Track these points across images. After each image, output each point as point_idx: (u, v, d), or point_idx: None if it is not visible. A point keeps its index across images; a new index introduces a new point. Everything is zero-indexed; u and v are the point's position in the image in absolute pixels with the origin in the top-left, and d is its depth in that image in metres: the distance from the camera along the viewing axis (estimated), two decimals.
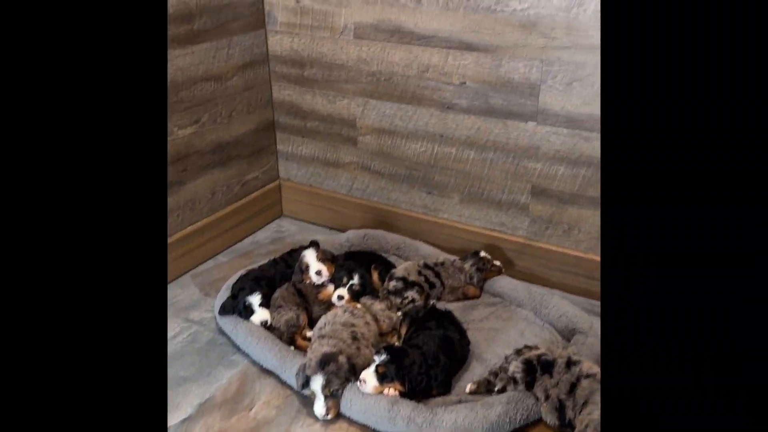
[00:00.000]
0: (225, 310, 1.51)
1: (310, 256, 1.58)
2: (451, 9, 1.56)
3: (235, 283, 1.57)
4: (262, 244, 1.95)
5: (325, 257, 1.60)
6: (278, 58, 1.89)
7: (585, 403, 1.17)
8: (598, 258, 1.59)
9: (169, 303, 1.64)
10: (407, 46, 1.66)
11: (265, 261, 1.69)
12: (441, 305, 1.53)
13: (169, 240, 1.70)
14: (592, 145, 1.50)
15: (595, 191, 1.54)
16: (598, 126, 1.48)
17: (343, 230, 1.95)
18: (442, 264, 1.65)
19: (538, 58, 1.49)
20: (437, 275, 1.62)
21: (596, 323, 1.44)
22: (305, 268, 1.57)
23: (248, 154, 1.92)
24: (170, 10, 1.53)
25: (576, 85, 1.47)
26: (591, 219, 1.58)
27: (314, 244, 1.68)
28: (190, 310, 1.62)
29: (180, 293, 1.69)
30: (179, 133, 1.66)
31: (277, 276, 1.61)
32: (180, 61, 1.60)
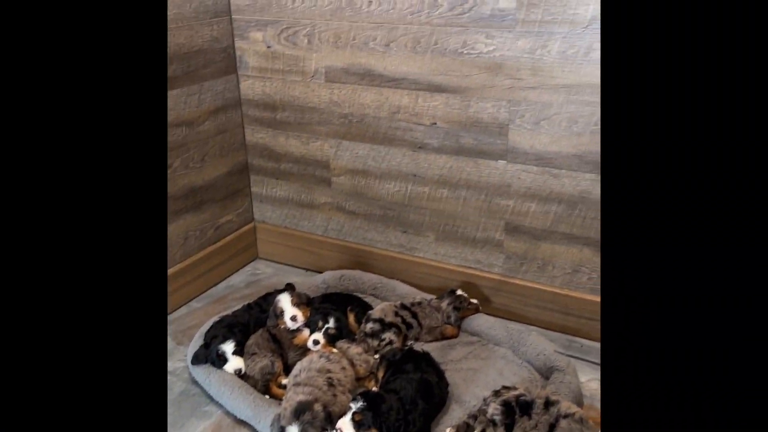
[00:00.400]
0: (198, 359, 1.48)
1: (284, 301, 1.56)
2: (419, 53, 1.59)
3: (208, 330, 1.54)
4: (238, 288, 1.93)
5: (300, 301, 1.58)
6: (250, 102, 1.90)
7: None
8: (572, 293, 1.60)
9: None
10: (378, 88, 1.68)
11: (240, 305, 1.66)
12: (419, 346, 1.52)
13: None
14: (561, 182, 1.52)
15: (567, 227, 1.56)
16: (567, 163, 1.50)
17: (319, 271, 1.94)
18: (419, 304, 1.64)
19: (505, 98, 1.52)
20: (414, 315, 1.61)
21: (573, 361, 1.44)
22: (280, 313, 1.55)
23: (222, 198, 1.91)
24: None
25: (543, 124, 1.50)
26: (564, 254, 1.59)
27: (289, 288, 1.66)
28: None
29: None
30: None
31: (252, 322, 1.58)
32: None
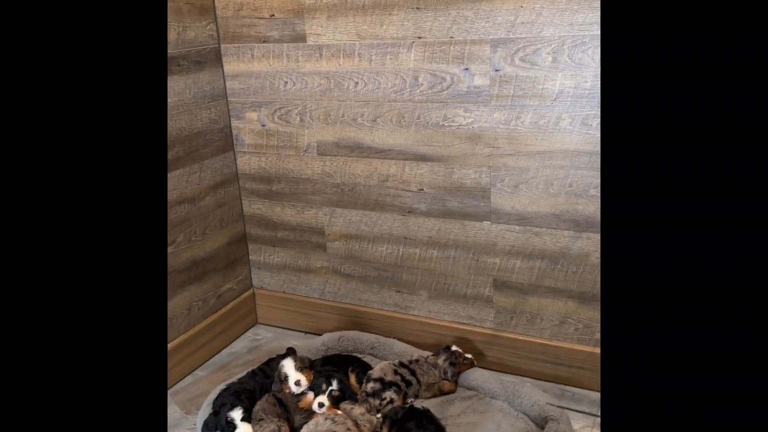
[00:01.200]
0: (208, 427, 1.53)
1: (288, 366, 1.63)
2: (404, 126, 1.72)
3: (216, 399, 1.60)
4: (240, 354, 1.99)
5: (303, 365, 1.65)
6: (247, 176, 2.01)
7: None
8: (561, 344, 1.69)
9: None
10: (367, 159, 1.81)
11: (243, 372, 1.73)
12: (419, 403, 1.58)
13: None
14: (542, 240, 1.64)
15: (551, 281, 1.66)
16: (546, 222, 1.62)
17: (318, 333, 2.01)
18: (417, 361, 1.72)
19: (485, 165, 1.65)
20: (413, 373, 1.68)
21: (566, 411, 1.51)
22: (284, 378, 1.61)
23: (222, 267, 2.00)
24: None
25: (522, 187, 1.62)
26: (550, 307, 1.68)
27: (291, 353, 1.73)
28: (173, 430, 1.63)
29: None
30: None
31: (257, 388, 1.64)
32: None
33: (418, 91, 1.67)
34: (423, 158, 1.73)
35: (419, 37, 1.62)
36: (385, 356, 1.83)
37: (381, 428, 1.51)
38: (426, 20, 1.60)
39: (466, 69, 1.59)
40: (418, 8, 1.60)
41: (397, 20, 1.63)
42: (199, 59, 1.81)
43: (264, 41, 1.83)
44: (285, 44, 1.80)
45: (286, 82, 1.84)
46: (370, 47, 1.69)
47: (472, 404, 1.64)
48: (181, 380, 1.84)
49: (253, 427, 1.51)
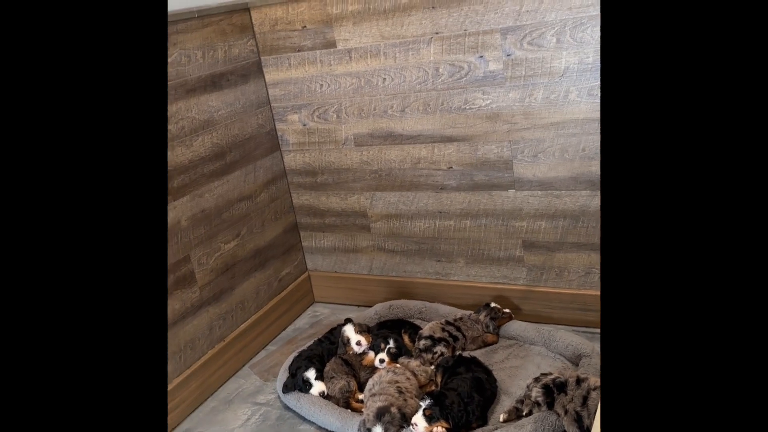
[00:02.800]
0: (287, 388, 1.79)
1: (349, 331, 1.87)
2: (430, 113, 1.94)
3: (291, 363, 1.85)
4: (303, 329, 2.24)
5: (361, 329, 1.89)
6: (294, 171, 2.26)
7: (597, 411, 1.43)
8: (588, 292, 1.89)
9: (236, 392, 1.92)
10: (399, 145, 2.03)
11: (309, 343, 1.98)
12: (466, 354, 1.81)
13: (228, 338, 2.00)
14: (563, 201, 1.84)
15: (574, 237, 1.86)
16: (565, 185, 1.82)
17: (369, 305, 2.25)
18: (461, 319, 1.94)
19: (506, 140, 1.86)
20: (458, 329, 1.91)
21: (597, 347, 1.72)
22: (347, 341, 1.86)
23: (280, 254, 2.25)
24: (206, 152, 1.91)
25: (540, 156, 1.83)
26: (576, 261, 1.89)
27: (350, 320, 1.97)
28: (256, 395, 1.89)
29: (244, 383, 1.97)
30: (225, 247, 2.00)
31: (325, 352, 1.89)
32: (219, 190, 1.96)
33: (440, 80, 1.88)
34: (449, 139, 1.95)
35: (436, 33, 1.83)
36: (432, 318, 2.05)
37: (436, 376, 1.75)
38: (441, 17, 1.81)
39: (481, 57, 1.80)
40: (433, 7, 1.81)
41: (415, 20, 1.84)
42: (244, 72, 2.05)
43: (299, 50, 2.06)
44: (317, 51, 2.03)
45: (322, 85, 2.07)
46: (393, 46, 1.91)
47: (514, 351, 1.87)
48: (256, 354, 2.11)
49: (325, 384, 1.77)
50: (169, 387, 1.78)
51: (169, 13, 1.74)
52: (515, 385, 1.71)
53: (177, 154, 1.80)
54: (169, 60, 1.76)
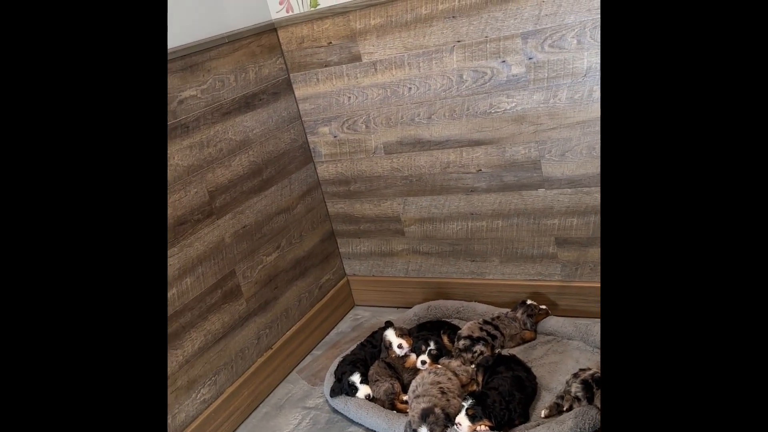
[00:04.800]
0: (334, 392, 1.87)
1: (390, 335, 1.94)
2: (456, 118, 1.98)
3: (337, 368, 1.94)
4: (346, 333, 2.32)
5: (402, 333, 1.95)
6: (327, 182, 2.33)
7: None
8: None
9: (286, 398, 2.01)
10: (428, 151, 2.08)
11: (354, 346, 2.06)
12: (505, 352, 1.86)
13: (275, 346, 2.09)
14: (592, 197, 1.87)
15: None
16: (593, 181, 1.84)
17: (408, 307, 2.32)
18: (498, 317, 1.99)
19: (533, 140, 1.89)
20: (496, 328, 1.96)
21: None
22: (389, 345, 1.93)
23: (319, 262, 2.34)
24: (244, 170, 2.00)
25: (568, 155, 1.85)
26: None
27: (390, 324, 2.04)
28: (305, 400, 1.98)
29: (293, 388, 2.06)
30: (267, 259, 2.09)
31: (368, 356, 1.97)
32: (258, 205, 2.05)
33: (464, 86, 1.92)
34: (477, 143, 1.99)
35: (458, 41, 1.87)
36: (470, 317, 2.11)
37: (476, 375, 1.80)
38: (462, 26, 1.85)
39: (503, 61, 1.83)
40: (453, 17, 1.85)
41: (437, 30, 1.89)
42: (275, 90, 2.13)
43: (326, 65, 2.13)
44: (344, 65, 2.09)
45: (349, 97, 2.14)
46: (417, 56, 1.96)
47: (552, 347, 1.91)
48: (303, 359, 2.20)
49: (370, 387, 1.84)
50: (223, 396, 1.89)
51: (200, 41, 1.83)
52: (555, 380, 1.75)
53: (217, 175, 1.89)
54: (204, 86, 1.85)
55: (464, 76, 1.91)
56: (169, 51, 1.72)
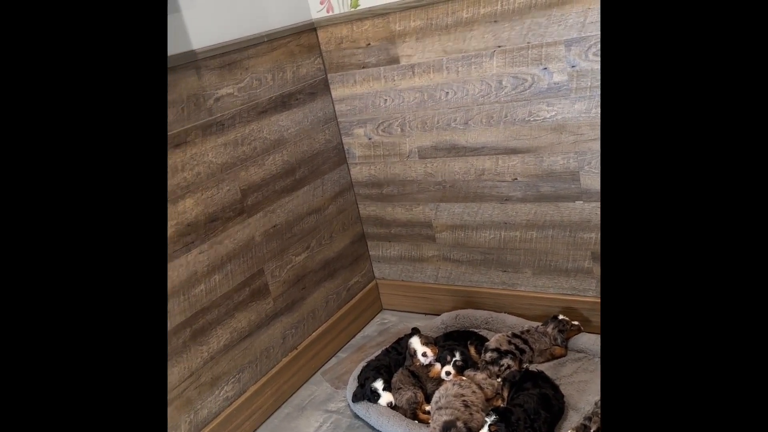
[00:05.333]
0: (356, 397, 1.85)
1: (415, 343, 1.91)
2: (493, 125, 1.94)
3: (360, 374, 1.92)
4: (372, 337, 2.31)
5: (428, 341, 1.92)
6: (360, 183, 2.32)
7: None
8: None
9: (308, 400, 2.01)
10: (463, 157, 2.04)
11: (378, 351, 2.04)
12: (533, 367, 1.81)
13: (300, 347, 2.09)
14: None
15: None
16: None
17: (436, 314, 2.28)
18: (528, 331, 1.94)
19: (572, 151, 1.83)
20: (525, 342, 1.90)
21: None
22: (413, 353, 1.90)
23: (348, 264, 2.32)
24: (278, 169, 2.00)
25: None
26: None
27: (416, 331, 2.01)
28: (328, 403, 1.97)
29: (316, 390, 2.05)
30: (296, 259, 2.08)
31: (392, 363, 1.94)
32: (290, 205, 2.05)
33: (503, 93, 1.88)
34: (514, 151, 1.94)
35: (499, 46, 1.83)
36: (499, 329, 2.06)
37: (502, 390, 1.76)
38: (504, 30, 1.80)
39: (545, 68, 1.78)
40: (495, 21, 1.80)
41: (477, 34, 1.85)
42: (312, 90, 2.13)
43: (363, 67, 2.11)
44: (381, 67, 2.07)
45: (386, 100, 2.11)
46: (456, 60, 1.92)
47: (582, 365, 1.84)
48: (327, 361, 2.19)
49: (393, 395, 1.81)
50: (246, 394, 1.89)
51: (240, 39, 1.84)
52: (583, 400, 1.69)
53: (250, 174, 1.90)
54: (241, 84, 1.85)
55: (503, 82, 1.86)
56: (207, 49, 1.73)
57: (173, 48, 1.64)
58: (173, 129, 1.65)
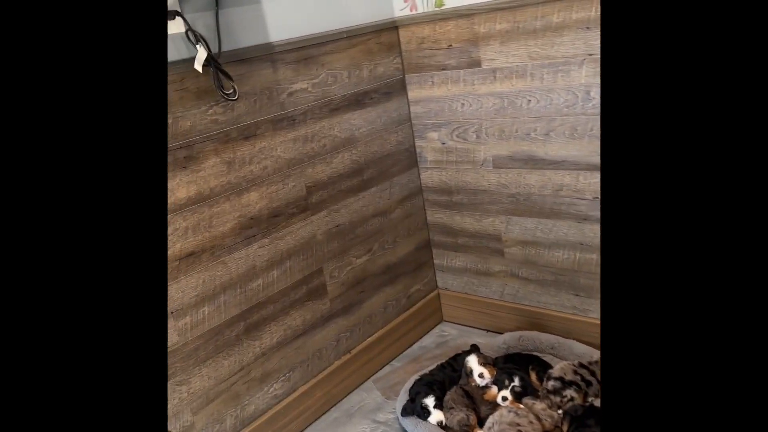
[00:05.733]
0: (406, 412, 1.78)
1: (473, 361, 1.81)
2: (577, 138, 1.80)
3: (412, 387, 1.84)
4: (429, 349, 2.22)
5: (486, 361, 1.82)
6: (430, 189, 2.24)
7: None
8: None
9: (357, 406, 1.96)
10: (540, 170, 1.92)
11: (433, 365, 1.95)
12: (598, 403, 1.66)
13: (354, 351, 2.04)
14: None
15: None
16: None
17: (498, 332, 2.17)
18: (597, 362, 1.79)
19: None
20: (593, 374, 1.76)
21: None
22: (470, 372, 1.80)
23: (411, 270, 2.25)
24: (345, 168, 1.95)
25: None
26: None
27: (475, 349, 1.91)
28: (377, 412, 1.91)
29: (366, 397, 2.00)
30: (357, 261, 2.04)
31: (446, 379, 1.85)
32: (355, 206, 2.00)
33: (590, 104, 1.74)
34: (597, 168, 1.79)
35: (590, 54, 1.69)
36: (565, 356, 1.92)
37: (561, 424, 1.63)
38: (596, 38, 1.67)
39: None
40: (588, 28, 1.67)
41: (567, 40, 1.72)
42: (388, 90, 2.07)
43: (443, 69, 2.03)
44: (462, 70, 1.98)
45: (463, 104, 2.02)
46: (541, 67, 1.80)
47: None
48: (381, 369, 2.13)
49: (444, 414, 1.73)
50: (295, 394, 1.87)
51: (318, 34, 1.81)
52: None
53: (317, 171, 1.87)
54: (316, 80, 1.82)
55: (592, 93, 1.73)
56: (284, 42, 1.71)
57: (251, 39, 1.63)
58: (244, 120, 1.64)
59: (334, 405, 1.98)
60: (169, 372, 1.55)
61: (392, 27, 2.06)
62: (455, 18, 1.93)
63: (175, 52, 1.46)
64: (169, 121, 1.48)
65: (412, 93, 2.14)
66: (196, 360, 1.60)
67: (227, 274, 1.65)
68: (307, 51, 1.79)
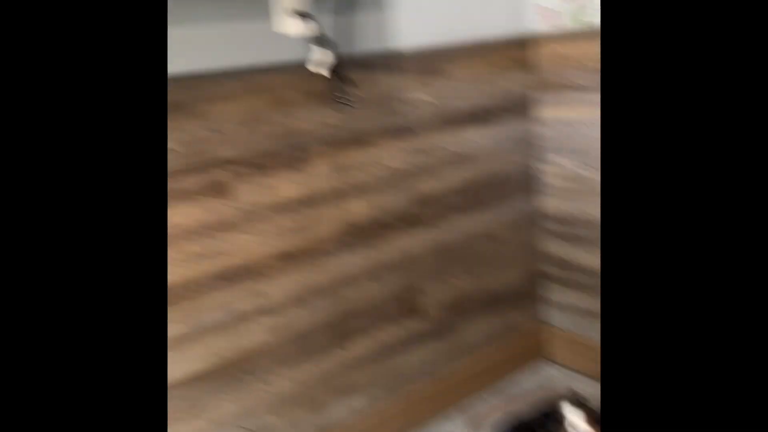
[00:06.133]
0: None
1: (574, 415, 1.64)
2: None
3: (500, 427, 1.71)
4: (525, 388, 2.06)
5: (591, 419, 1.63)
6: (549, 217, 2.08)
7: None
8: None
9: None
10: None
11: (527, 407, 1.80)
12: None
13: (442, 375, 1.95)
14: None
15: None
16: None
17: None
18: None
19: None
20: None
21: None
22: (568, 429, 1.63)
23: (516, 300, 2.11)
24: (457, 185, 1.86)
25: None
26: None
27: (580, 403, 1.72)
28: None
29: (449, 426, 1.89)
30: (458, 283, 1.94)
31: (539, 428, 1.70)
32: (462, 225, 1.91)
33: None
34: None
35: None
36: None
37: None
38: None
39: None
40: None
41: None
42: (513, 108, 1.95)
43: (578, 90, 1.86)
44: (597, 94, 1.81)
45: (597, 130, 1.84)
46: None
47: None
48: (468, 399, 2.01)
49: None
50: (375, 410, 1.81)
51: (445, 45, 1.74)
52: None
53: (427, 185, 1.80)
54: (437, 92, 1.76)
55: None
56: (407, 50, 1.66)
57: (374, 46, 1.60)
58: (358, 127, 1.62)
59: (414, 428, 1.90)
60: (252, 369, 1.56)
61: (525, 42, 1.93)
62: (599, 38, 1.77)
63: (301, 53, 1.47)
64: (285, 120, 1.50)
65: (541, 113, 1.99)
66: (280, 360, 1.61)
67: (322, 279, 1.64)
68: (431, 61, 1.72)
